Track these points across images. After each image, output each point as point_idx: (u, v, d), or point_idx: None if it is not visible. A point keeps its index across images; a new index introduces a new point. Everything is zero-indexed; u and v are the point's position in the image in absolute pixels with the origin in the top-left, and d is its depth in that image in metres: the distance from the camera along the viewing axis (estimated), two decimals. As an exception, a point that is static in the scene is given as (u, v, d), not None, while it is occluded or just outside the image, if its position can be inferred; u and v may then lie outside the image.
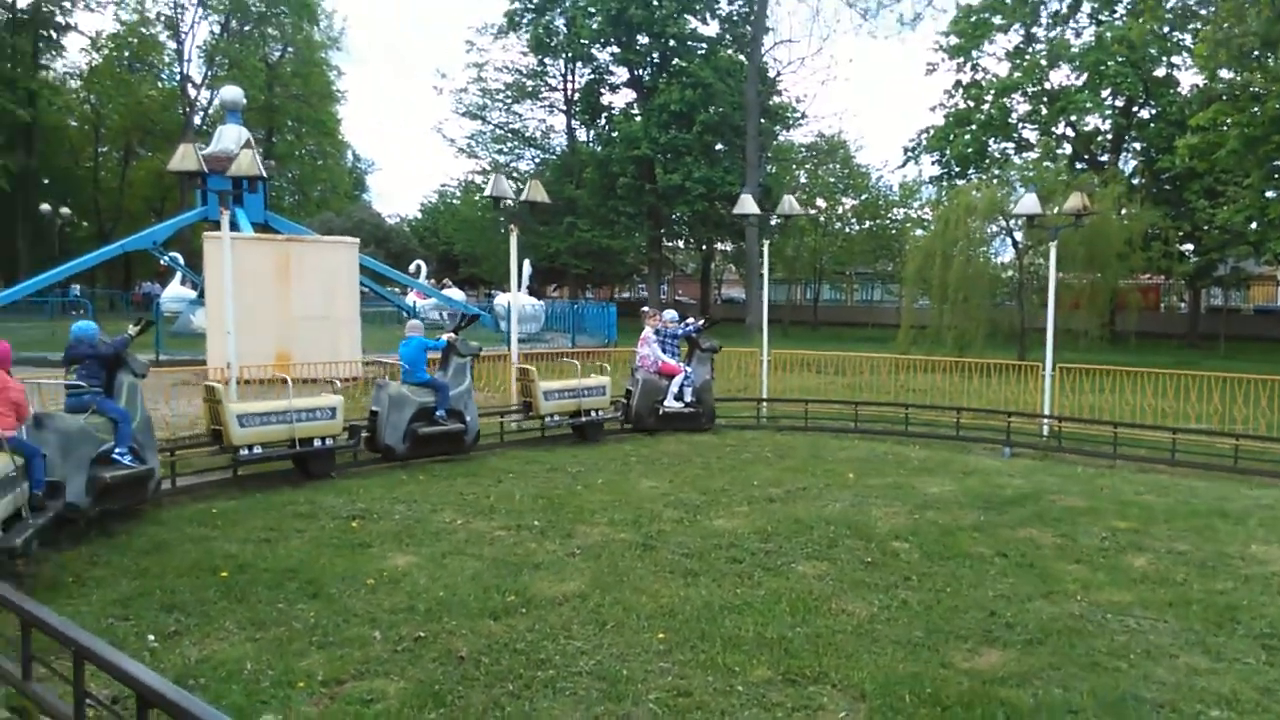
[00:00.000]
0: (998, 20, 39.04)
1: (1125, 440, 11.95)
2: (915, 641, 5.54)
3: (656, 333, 13.61)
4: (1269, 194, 24.16)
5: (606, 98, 48.45)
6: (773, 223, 39.02)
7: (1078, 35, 39.14)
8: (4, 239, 46.35)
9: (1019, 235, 25.71)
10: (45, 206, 41.78)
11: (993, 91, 38.53)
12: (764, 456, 11.54)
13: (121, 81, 53.09)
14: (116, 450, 8.01)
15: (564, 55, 46.54)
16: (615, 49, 44.95)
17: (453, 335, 11.72)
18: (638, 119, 43.28)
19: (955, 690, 4.85)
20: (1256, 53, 22.15)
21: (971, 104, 39.71)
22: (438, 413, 10.85)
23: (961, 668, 5.19)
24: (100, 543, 7.15)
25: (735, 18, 45.30)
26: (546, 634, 5.53)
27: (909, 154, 42.94)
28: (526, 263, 30.17)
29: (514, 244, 12.97)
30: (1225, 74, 25.03)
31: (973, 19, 38.91)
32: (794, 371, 17.99)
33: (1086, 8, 38.81)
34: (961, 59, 40.52)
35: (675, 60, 43.76)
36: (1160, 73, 36.65)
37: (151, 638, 5.30)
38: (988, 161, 38.41)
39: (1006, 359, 17.47)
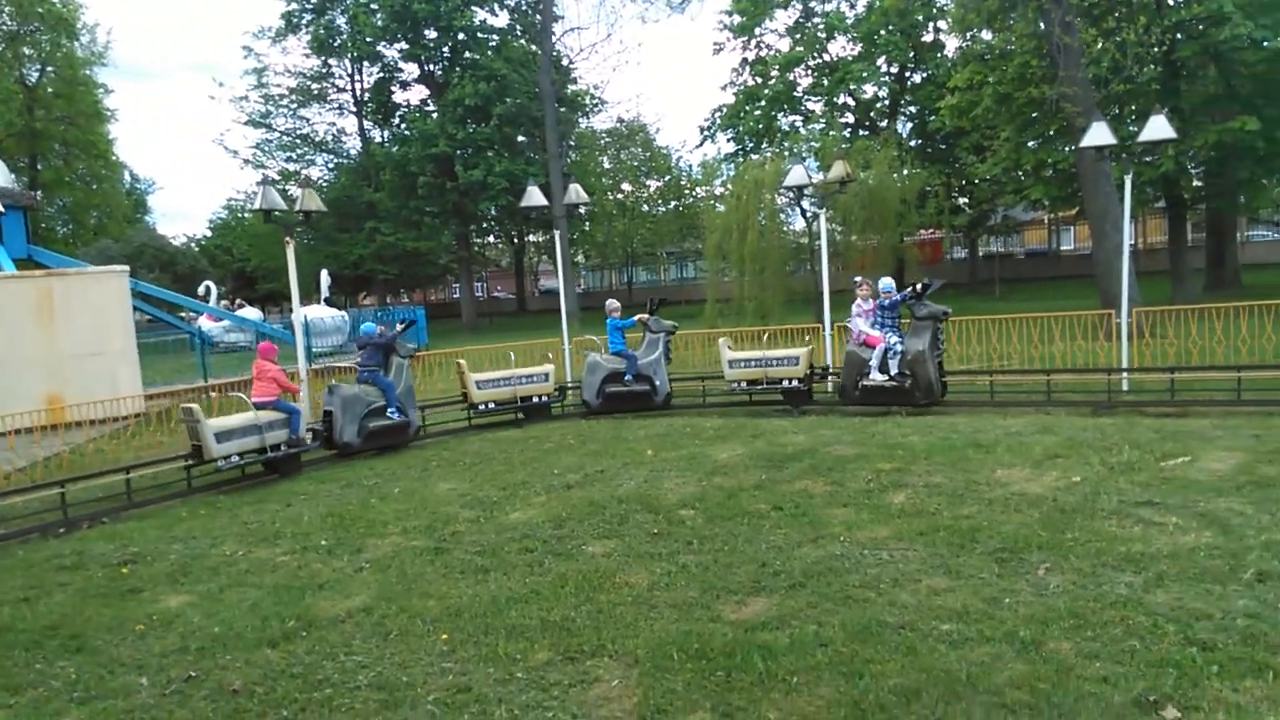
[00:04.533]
0: (777, -3, 40.56)
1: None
2: (690, 602, 5.81)
3: (880, 304, 12.53)
4: (1027, 144, 26.34)
5: (398, 95, 47.36)
6: (581, 211, 39.27)
7: (852, 7, 41.23)
8: None
9: (806, 204, 27.01)
10: None
11: (777, 67, 40.04)
12: (566, 444, 11.70)
13: None
14: (389, 410, 12.19)
15: (349, 55, 45.05)
16: (403, 45, 43.93)
17: (645, 316, 14.21)
18: (433, 115, 42.54)
19: (720, 641, 5.13)
20: (1002, 13, 23.90)
21: (759, 80, 41.12)
22: (626, 377, 13.65)
23: (729, 619, 5.49)
24: None
25: (524, 7, 45.11)
26: (326, 654, 5.46)
27: (705, 133, 44.16)
28: (325, 273, 29.17)
29: (290, 256, 12.52)
30: (984, 35, 26.96)
31: (753, -3, 40.25)
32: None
33: (858, -22, 40.84)
34: (746, 37, 41.89)
35: (466, 53, 43.23)
36: (928, 38, 39.16)
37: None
38: (778, 135, 39.94)
39: (804, 323, 18.36)
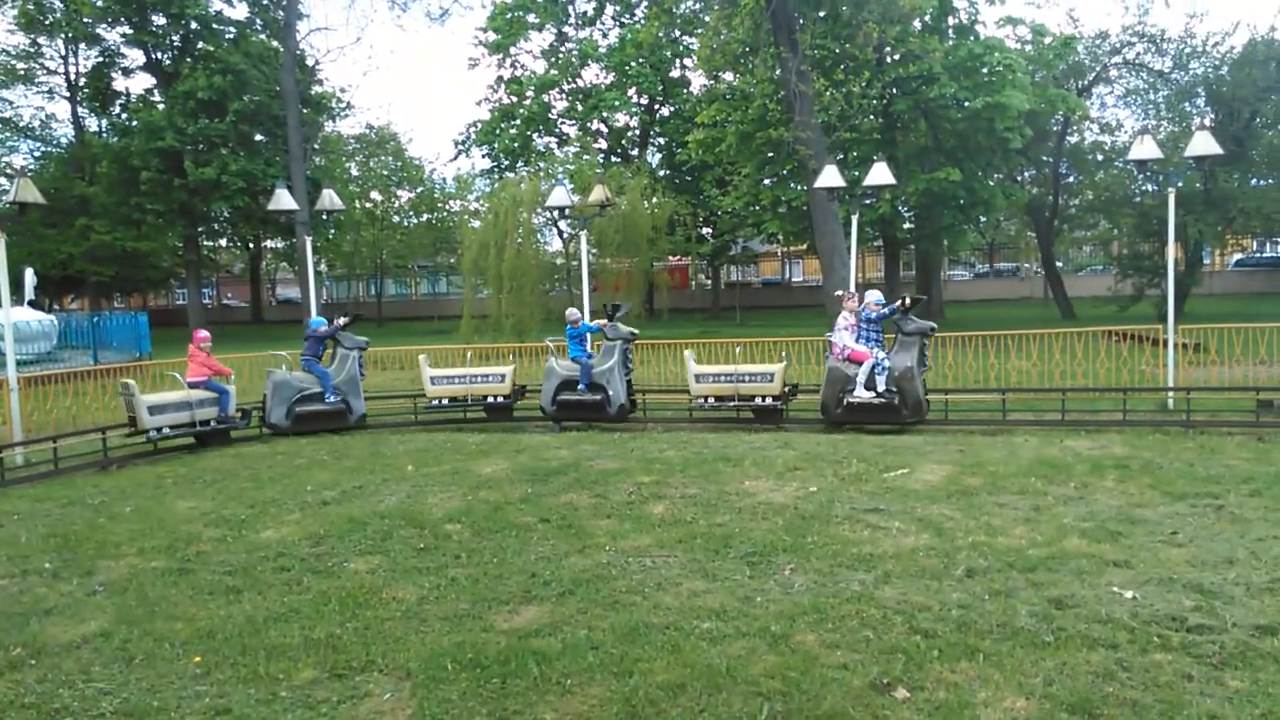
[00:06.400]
0: (532, 18, 41.03)
1: (654, 405, 13.47)
2: (461, 613, 5.82)
3: (866, 317, 11.87)
4: (765, 182, 28.34)
5: (120, 83, 43.43)
6: (324, 218, 37.72)
7: (605, 36, 42.47)
8: None
9: (564, 225, 27.54)
10: None
11: (533, 88, 40.49)
12: (319, 460, 11.24)
13: None
14: (326, 396, 13.21)
15: (62, 34, 40.74)
16: (126, 29, 40.31)
17: (605, 322, 13.36)
18: (160, 106, 39.31)
19: (494, 650, 5.19)
20: (744, 57, 25.65)
21: (515, 99, 41.38)
22: (580, 385, 13.02)
23: (502, 628, 5.55)
24: None
25: (266, 1, 42.74)
26: (61, 682, 4.98)
27: (460, 147, 43.88)
28: (29, 272, 26.12)
29: (1, 253, 11.19)
30: (728, 76, 28.68)
31: (508, 16, 40.49)
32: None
33: (610, 10, 42.14)
34: (501, 55, 42.07)
35: (200, 44, 40.37)
36: (675, 74, 41.06)
37: None
38: (533, 155, 40.36)
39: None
